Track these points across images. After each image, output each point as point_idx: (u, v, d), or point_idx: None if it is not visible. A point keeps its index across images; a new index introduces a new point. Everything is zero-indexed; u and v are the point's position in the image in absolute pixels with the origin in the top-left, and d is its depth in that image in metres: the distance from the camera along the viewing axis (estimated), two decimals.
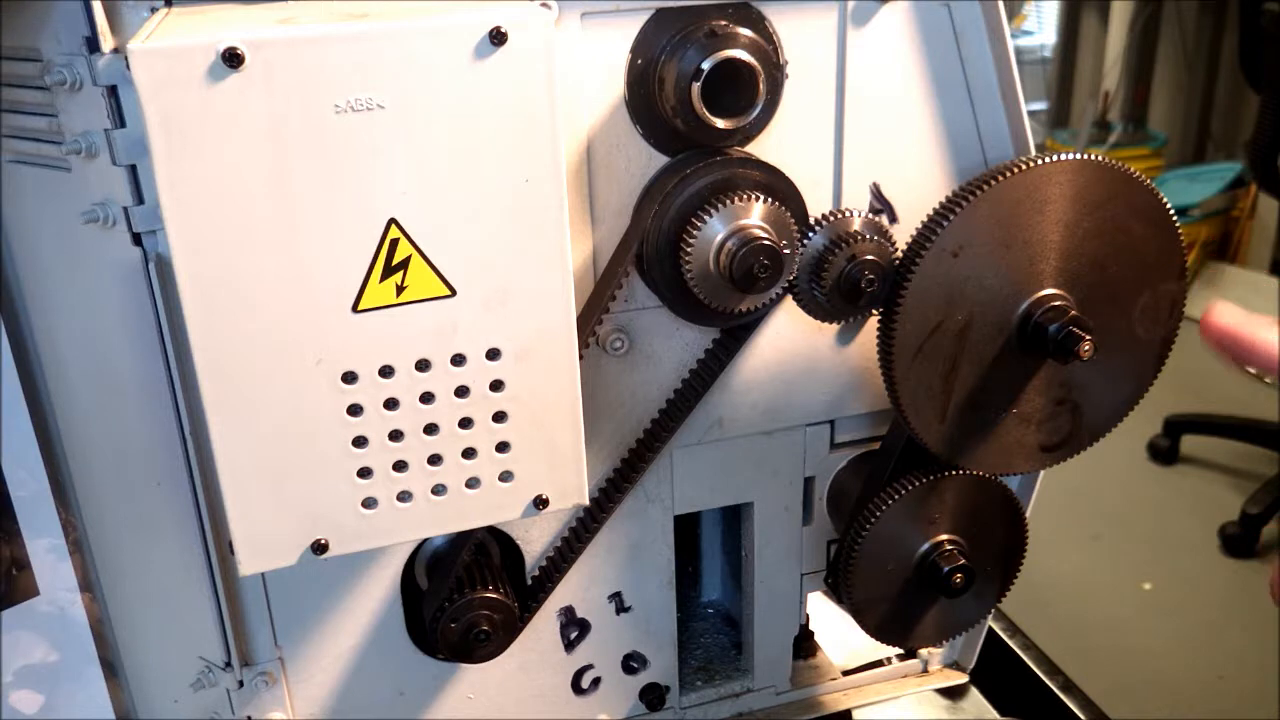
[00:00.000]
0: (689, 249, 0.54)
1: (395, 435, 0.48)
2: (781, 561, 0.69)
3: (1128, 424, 0.63)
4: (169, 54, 0.41)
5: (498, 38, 0.43)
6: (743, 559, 0.70)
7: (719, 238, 0.54)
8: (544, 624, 0.66)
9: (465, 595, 0.59)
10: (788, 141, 0.58)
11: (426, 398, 0.48)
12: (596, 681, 0.69)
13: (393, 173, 0.44)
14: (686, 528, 0.72)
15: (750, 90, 0.53)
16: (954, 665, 0.77)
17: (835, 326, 0.63)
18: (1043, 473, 0.66)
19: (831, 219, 0.56)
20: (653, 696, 0.70)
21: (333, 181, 0.44)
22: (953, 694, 0.77)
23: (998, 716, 0.76)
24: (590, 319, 0.55)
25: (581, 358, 0.51)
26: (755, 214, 0.54)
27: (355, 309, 0.46)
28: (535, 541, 0.64)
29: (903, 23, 0.57)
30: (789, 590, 0.70)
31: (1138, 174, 0.56)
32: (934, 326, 0.56)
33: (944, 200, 0.55)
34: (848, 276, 0.55)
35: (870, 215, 0.57)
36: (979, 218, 0.54)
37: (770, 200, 0.54)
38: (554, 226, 0.47)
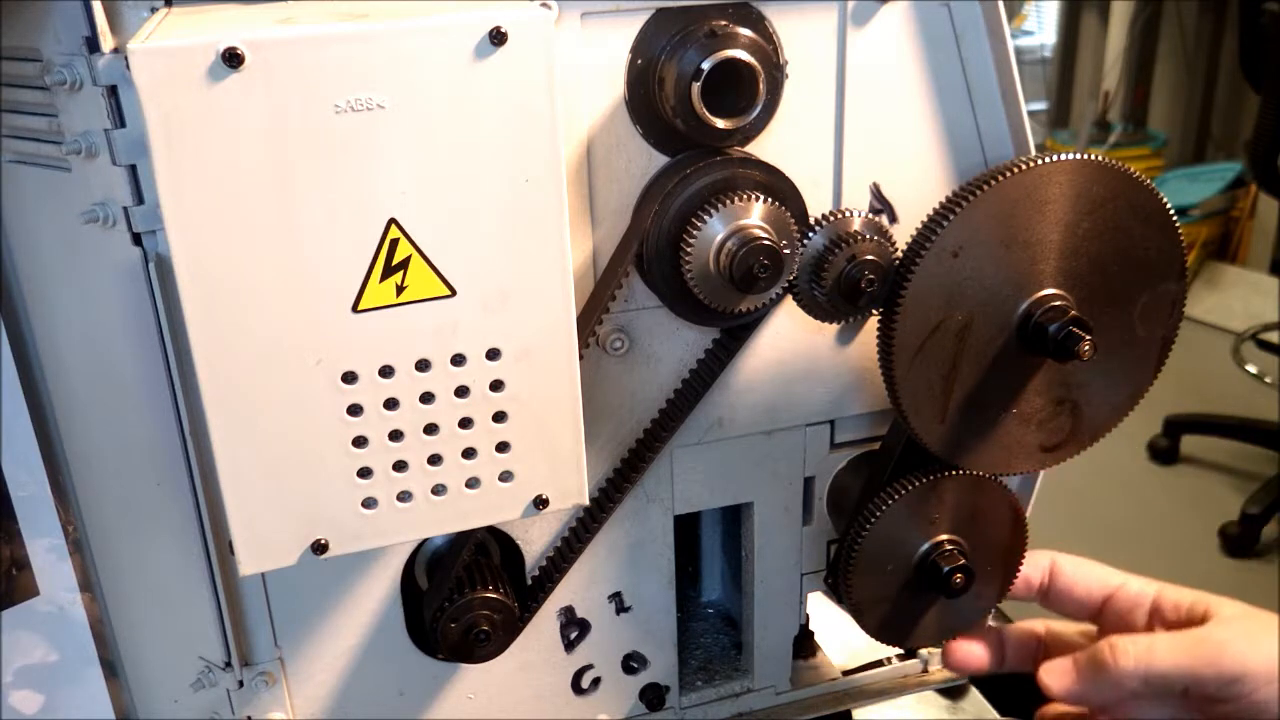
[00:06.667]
0: (689, 249, 0.54)
1: (395, 435, 0.48)
2: (781, 561, 0.69)
3: (1128, 424, 0.63)
4: (169, 54, 0.41)
5: (498, 38, 0.43)
6: (743, 559, 0.70)
7: (719, 238, 0.54)
8: (544, 624, 0.66)
9: (465, 595, 0.59)
10: (788, 141, 0.58)
11: (426, 398, 0.48)
12: (596, 681, 0.69)
13: (393, 173, 0.44)
14: (686, 528, 0.72)
15: (750, 90, 0.53)
16: None
17: (835, 326, 0.63)
18: (1043, 473, 0.66)
19: (831, 219, 0.56)
20: (653, 696, 0.70)
21: (333, 181, 0.44)
22: (953, 694, 0.77)
23: (998, 716, 0.76)
24: (590, 319, 0.55)
25: (581, 358, 0.51)
26: (755, 214, 0.54)
27: (355, 309, 0.46)
28: (535, 541, 0.64)
29: (903, 23, 0.57)
30: (789, 590, 0.70)
31: (1138, 174, 0.56)
32: (934, 326, 0.56)
33: (944, 200, 0.55)
34: (848, 276, 0.55)
35: (870, 215, 0.57)
36: (979, 218, 0.54)
37: (770, 200, 0.54)
38: (554, 226, 0.47)
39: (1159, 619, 0.61)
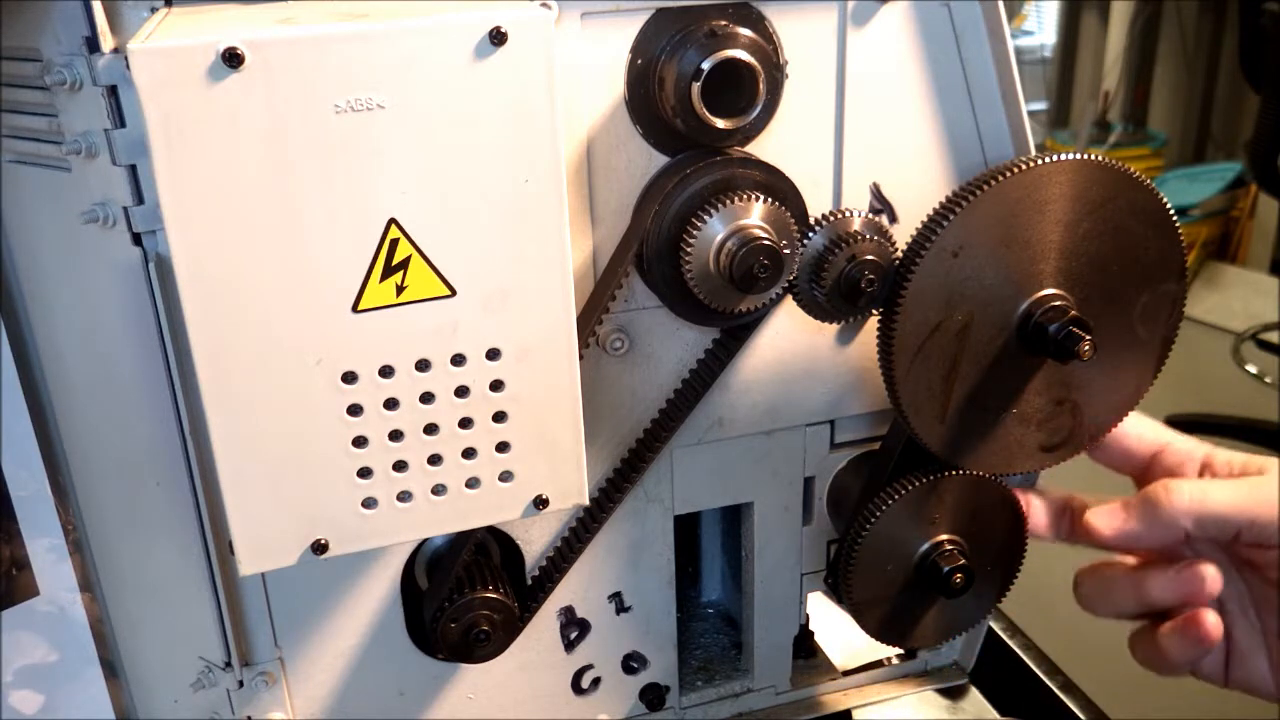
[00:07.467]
0: (689, 249, 0.54)
1: (395, 435, 0.49)
2: (781, 561, 0.69)
3: None
4: (169, 54, 0.41)
5: (498, 38, 0.43)
6: (743, 559, 0.70)
7: (719, 238, 0.54)
8: (544, 624, 0.66)
9: (465, 595, 0.59)
10: (788, 141, 0.58)
11: (426, 398, 0.48)
12: (596, 681, 0.69)
13: (393, 173, 0.44)
14: (686, 528, 0.72)
15: (750, 90, 0.53)
16: (954, 665, 0.77)
17: (835, 326, 0.63)
18: (1043, 473, 0.66)
19: (831, 219, 0.56)
20: (653, 696, 0.70)
21: (333, 181, 0.44)
22: (953, 694, 0.77)
23: (998, 716, 0.76)
24: (590, 319, 0.55)
25: (581, 358, 0.51)
26: (755, 214, 0.54)
27: (355, 309, 0.46)
28: (535, 541, 0.64)
29: (903, 23, 0.57)
30: (789, 590, 0.70)
31: (1138, 174, 0.56)
32: (934, 326, 0.56)
33: (944, 200, 0.55)
34: (848, 276, 0.55)
35: (870, 215, 0.57)
36: (979, 218, 0.54)
37: (770, 200, 0.54)
38: (554, 226, 0.47)
39: (1210, 475, 0.59)
